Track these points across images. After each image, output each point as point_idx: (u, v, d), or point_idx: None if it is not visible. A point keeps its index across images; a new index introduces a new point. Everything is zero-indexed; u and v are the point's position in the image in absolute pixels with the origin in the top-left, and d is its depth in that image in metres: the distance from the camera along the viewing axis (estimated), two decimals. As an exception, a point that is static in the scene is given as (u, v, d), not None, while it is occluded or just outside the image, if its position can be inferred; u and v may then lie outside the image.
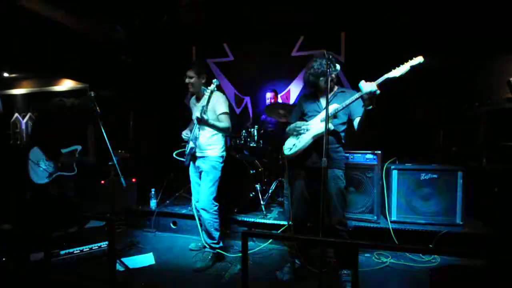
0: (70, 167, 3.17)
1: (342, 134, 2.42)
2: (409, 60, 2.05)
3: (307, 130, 2.36)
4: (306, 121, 2.45)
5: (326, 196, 2.31)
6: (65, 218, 3.26)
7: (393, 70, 2.07)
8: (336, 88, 2.44)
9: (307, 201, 2.44)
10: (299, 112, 2.56)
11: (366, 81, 2.05)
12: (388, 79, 2.07)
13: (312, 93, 2.52)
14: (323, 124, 2.17)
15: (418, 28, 4.06)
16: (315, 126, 2.34)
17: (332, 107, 2.25)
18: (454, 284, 1.98)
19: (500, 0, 3.71)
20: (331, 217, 2.34)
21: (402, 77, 2.05)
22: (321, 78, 2.33)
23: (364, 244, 2.33)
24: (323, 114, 2.30)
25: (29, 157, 2.98)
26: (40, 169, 3.00)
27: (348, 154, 3.02)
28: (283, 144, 2.58)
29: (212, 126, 2.68)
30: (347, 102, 2.19)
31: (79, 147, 3.29)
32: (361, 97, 2.09)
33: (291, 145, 2.46)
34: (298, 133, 2.41)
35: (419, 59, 2.04)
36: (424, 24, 4.07)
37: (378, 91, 2.02)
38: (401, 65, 2.06)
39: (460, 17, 3.92)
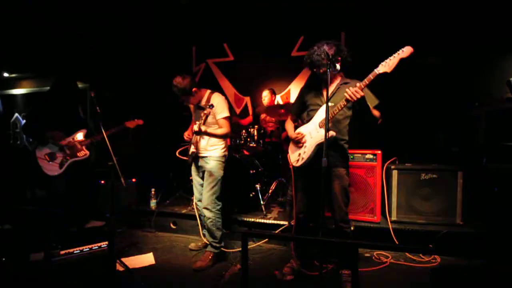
0: (80, 151, 3.14)
1: (346, 129, 2.34)
2: (398, 52, 1.93)
3: (309, 138, 2.32)
4: (309, 114, 2.40)
5: (329, 195, 2.31)
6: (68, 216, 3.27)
7: (381, 65, 1.96)
8: (339, 79, 2.34)
9: (311, 200, 2.42)
10: (301, 103, 2.49)
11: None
12: (379, 76, 1.96)
13: (314, 83, 2.41)
14: (322, 130, 2.17)
15: (419, 28, 4.06)
16: (316, 133, 2.27)
17: (333, 107, 2.19)
18: (455, 284, 1.98)
19: (500, 0, 3.71)
20: (335, 216, 2.33)
21: (394, 72, 1.90)
22: (321, 69, 2.22)
23: (364, 244, 2.33)
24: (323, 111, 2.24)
25: (36, 155, 3.00)
26: (50, 162, 3.02)
27: (348, 154, 3.01)
28: (288, 149, 2.53)
29: (211, 135, 2.71)
30: (338, 108, 2.15)
31: (83, 131, 3.22)
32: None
33: (297, 157, 2.41)
34: (299, 143, 2.38)
35: (408, 50, 1.91)
36: (425, 24, 4.07)
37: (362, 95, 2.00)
38: (389, 58, 1.94)
39: (460, 17, 3.93)
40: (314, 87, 2.41)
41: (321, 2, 4.52)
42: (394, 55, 1.94)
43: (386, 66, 1.94)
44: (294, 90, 5.15)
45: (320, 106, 2.31)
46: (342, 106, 2.14)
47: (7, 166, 5.08)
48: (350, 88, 2.03)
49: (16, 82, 6.29)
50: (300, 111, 2.52)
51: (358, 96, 2.01)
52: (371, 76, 1.98)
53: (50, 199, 3.24)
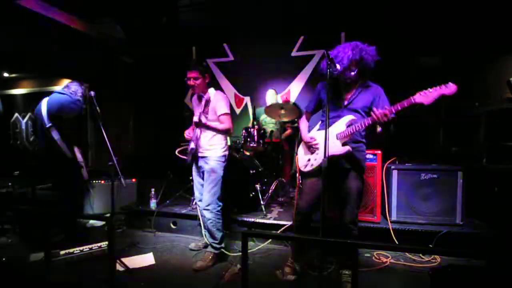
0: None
1: (363, 132, 2.32)
2: (441, 87, 1.81)
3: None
4: (323, 115, 2.34)
5: (341, 195, 2.29)
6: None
7: (419, 94, 1.85)
8: (358, 83, 2.24)
9: (317, 198, 2.34)
10: (318, 102, 2.42)
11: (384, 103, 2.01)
12: (414, 105, 1.87)
13: (333, 83, 2.24)
14: (339, 143, 2.17)
15: (419, 28, 4.06)
16: (332, 144, 2.18)
17: (346, 119, 2.17)
18: (455, 284, 1.98)
19: (500, 0, 3.71)
20: (345, 216, 2.30)
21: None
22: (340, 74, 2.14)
23: (364, 244, 2.32)
24: (341, 118, 2.22)
25: (79, 159, 3.08)
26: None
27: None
28: (296, 151, 2.50)
29: (211, 129, 2.70)
30: (361, 126, 2.09)
31: None
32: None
33: (306, 161, 2.38)
34: (311, 148, 2.34)
35: (452, 88, 1.77)
36: (425, 24, 4.07)
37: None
38: (430, 90, 1.83)
39: (460, 17, 3.93)
40: (333, 88, 2.26)
41: (322, 1, 4.53)
42: (436, 88, 1.83)
43: (425, 97, 1.85)
44: (294, 90, 5.15)
45: (336, 112, 2.24)
46: (366, 124, 2.08)
47: (7, 166, 5.08)
48: (379, 110, 1.97)
49: (16, 82, 6.30)
50: (317, 109, 2.47)
51: (386, 120, 1.96)
52: (405, 104, 1.91)
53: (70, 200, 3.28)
